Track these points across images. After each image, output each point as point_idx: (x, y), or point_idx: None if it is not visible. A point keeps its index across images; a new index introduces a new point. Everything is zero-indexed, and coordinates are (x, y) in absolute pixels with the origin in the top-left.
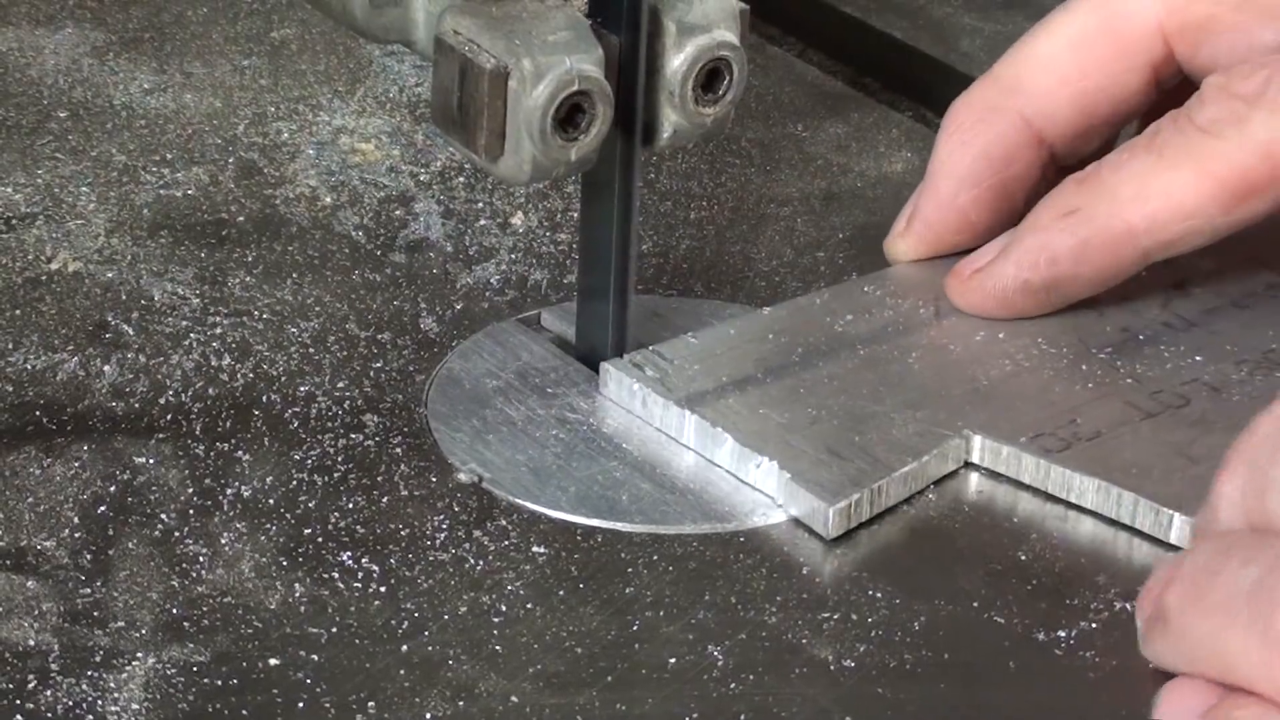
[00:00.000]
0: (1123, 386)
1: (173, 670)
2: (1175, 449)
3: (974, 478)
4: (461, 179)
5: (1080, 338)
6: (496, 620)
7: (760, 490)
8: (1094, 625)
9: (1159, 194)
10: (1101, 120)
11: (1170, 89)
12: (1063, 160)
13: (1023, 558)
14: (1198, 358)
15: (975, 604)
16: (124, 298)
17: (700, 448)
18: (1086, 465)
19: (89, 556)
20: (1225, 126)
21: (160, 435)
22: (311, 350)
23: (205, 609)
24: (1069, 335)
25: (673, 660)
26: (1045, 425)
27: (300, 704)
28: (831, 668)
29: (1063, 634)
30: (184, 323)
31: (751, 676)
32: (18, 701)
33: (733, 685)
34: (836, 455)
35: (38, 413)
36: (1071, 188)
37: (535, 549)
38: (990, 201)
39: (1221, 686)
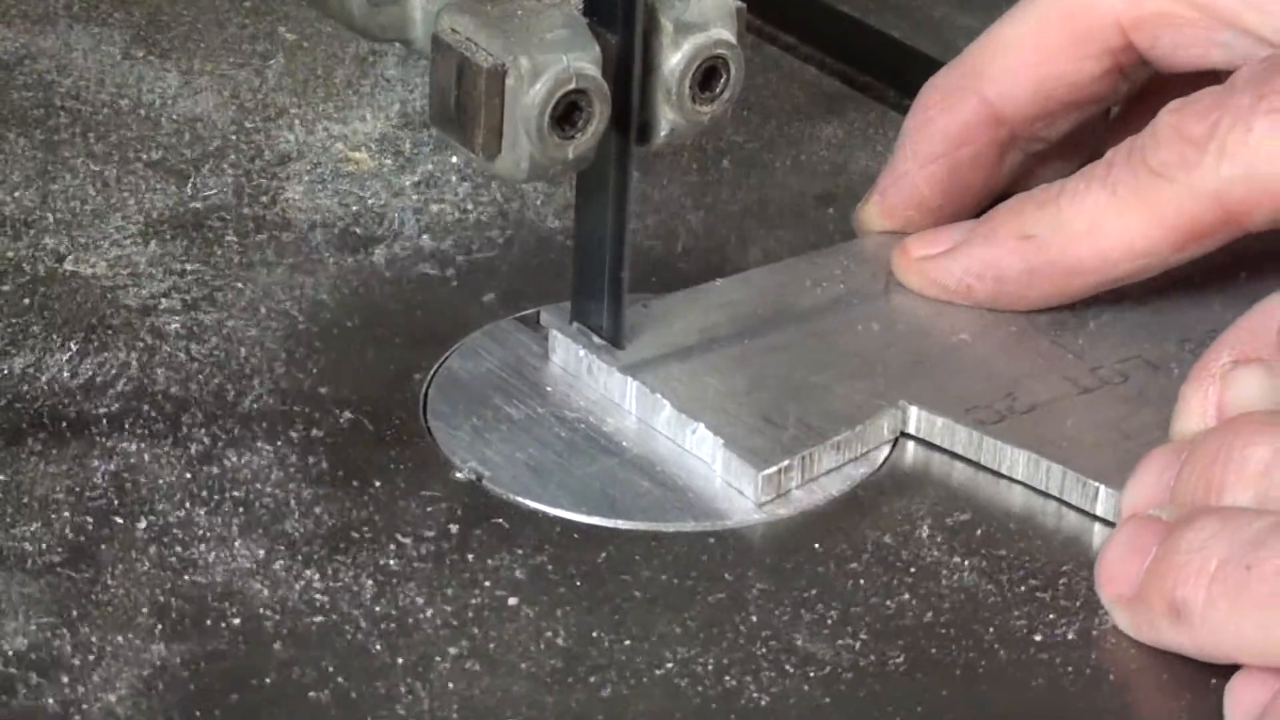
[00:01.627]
0: (1063, 363)
1: (166, 669)
2: (1109, 424)
3: (911, 447)
4: (463, 185)
5: (1026, 315)
6: (494, 619)
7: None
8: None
9: (1112, 234)
10: (1060, 104)
11: (1143, 80)
12: (1024, 142)
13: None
14: (1140, 336)
15: (974, 602)
16: (120, 297)
17: (641, 413)
18: (1018, 438)
19: (82, 554)
20: (1176, 170)
21: (156, 433)
22: (310, 350)
23: (199, 607)
24: (1015, 312)
25: (670, 659)
26: (982, 398)
27: (296, 703)
28: (829, 666)
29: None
30: (179, 322)
31: (749, 675)
32: (6, 698)
33: (730, 684)
34: (771, 423)
35: (33, 410)
36: (1031, 209)
37: (534, 547)
38: (945, 179)
39: (1272, 670)
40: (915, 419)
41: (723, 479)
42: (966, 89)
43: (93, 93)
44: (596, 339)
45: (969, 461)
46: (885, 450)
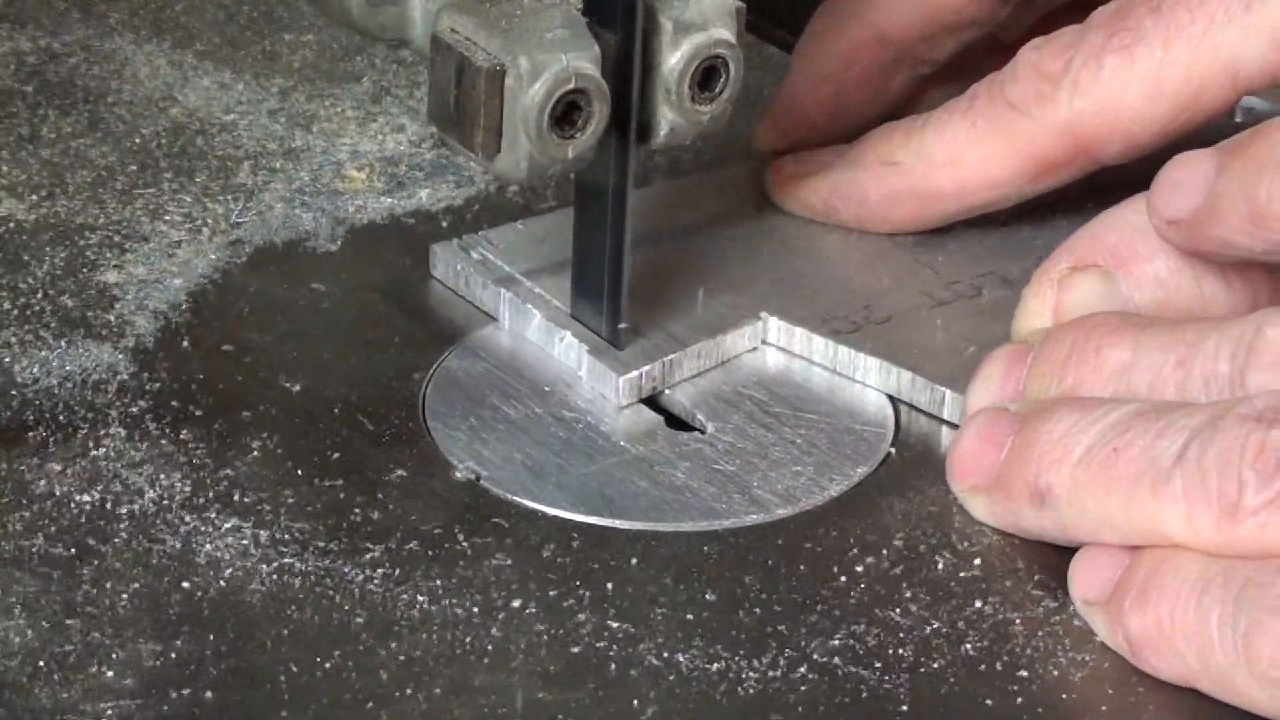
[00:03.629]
0: (922, 277)
1: (167, 668)
2: (959, 334)
3: (771, 353)
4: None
5: (890, 235)
6: (493, 618)
7: (563, 362)
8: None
9: (970, 163)
10: (941, 27)
11: (1022, 4)
12: (909, 64)
13: None
14: (998, 254)
15: (974, 602)
16: (121, 299)
17: (513, 325)
18: (871, 346)
19: (82, 554)
20: (1031, 104)
21: (155, 432)
22: (309, 349)
23: (199, 607)
24: (880, 233)
25: (669, 658)
26: (840, 310)
27: (295, 703)
28: (826, 665)
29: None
30: (180, 322)
31: (748, 674)
32: (5, 698)
33: (730, 683)
34: (636, 332)
35: (32, 408)
36: (898, 138)
37: (532, 547)
38: (832, 101)
39: (1123, 549)
40: (775, 329)
41: (589, 384)
42: (854, 13)
43: (114, 88)
44: (474, 254)
45: (828, 369)
46: (885, 451)
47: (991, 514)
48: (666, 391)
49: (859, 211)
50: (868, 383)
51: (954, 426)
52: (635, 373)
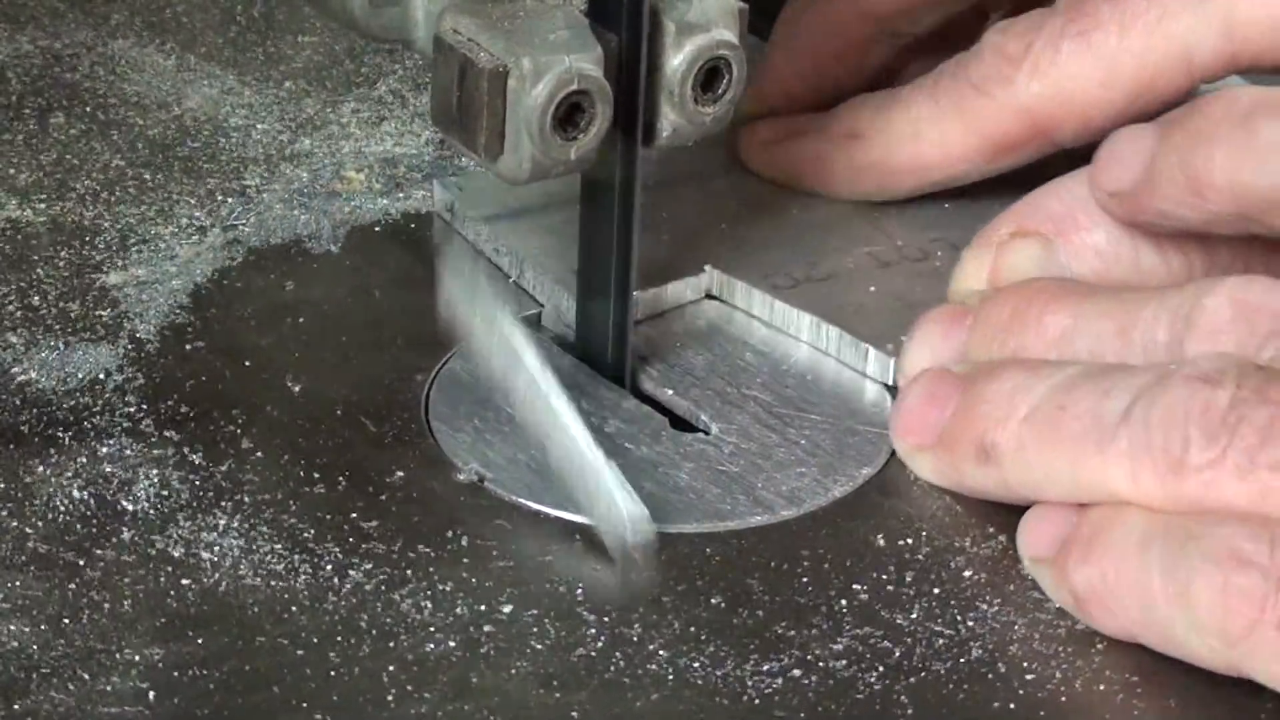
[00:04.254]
0: (872, 240)
1: (168, 670)
2: (895, 294)
3: (711, 306)
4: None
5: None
6: (495, 619)
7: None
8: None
9: (930, 141)
10: (924, 2)
11: None
12: (889, 37)
13: None
14: (951, 222)
15: (974, 603)
16: (123, 300)
17: (493, 256)
18: (806, 303)
19: (82, 555)
20: (992, 86)
21: (155, 432)
22: (311, 350)
23: (200, 608)
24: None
25: (672, 660)
26: (784, 268)
27: (296, 705)
28: (830, 667)
29: None
30: (180, 322)
31: (751, 676)
32: (6, 700)
33: (732, 684)
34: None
35: (32, 408)
36: (866, 111)
37: (536, 549)
38: (811, 72)
39: (1071, 508)
40: (717, 282)
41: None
42: None
43: (118, 90)
44: (459, 186)
45: (766, 323)
46: (889, 452)
47: (936, 472)
48: (668, 392)
49: (823, 181)
50: (800, 338)
51: (879, 383)
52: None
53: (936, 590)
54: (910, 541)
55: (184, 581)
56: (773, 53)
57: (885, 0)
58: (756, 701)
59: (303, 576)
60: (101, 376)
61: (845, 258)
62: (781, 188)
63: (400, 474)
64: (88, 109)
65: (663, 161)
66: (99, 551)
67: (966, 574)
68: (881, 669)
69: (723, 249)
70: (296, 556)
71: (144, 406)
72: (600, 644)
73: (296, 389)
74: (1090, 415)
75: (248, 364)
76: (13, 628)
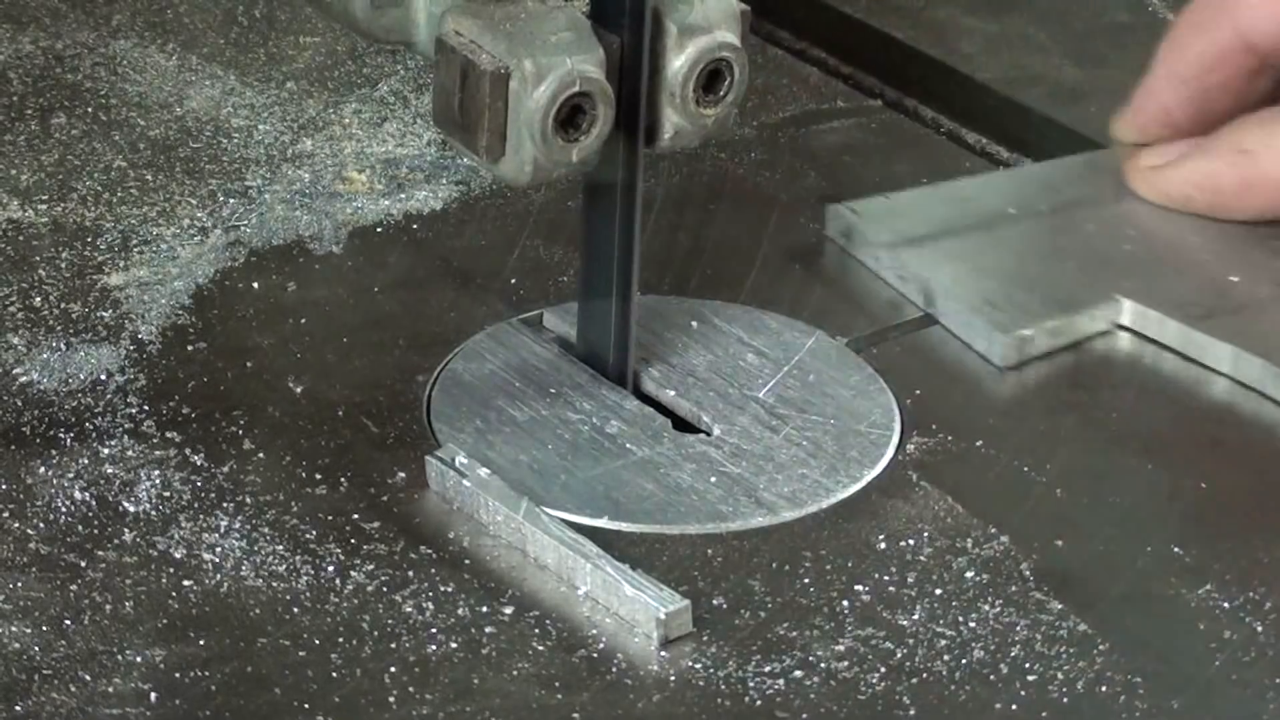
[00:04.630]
0: (1273, 269)
1: (169, 671)
2: None
3: (1123, 337)
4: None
5: (1245, 225)
6: (497, 620)
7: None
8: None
9: None
10: None
11: None
12: (1273, 70)
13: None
14: None
15: (975, 604)
16: (125, 301)
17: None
18: (1223, 333)
19: (83, 557)
20: None
21: (157, 433)
22: (312, 351)
23: (202, 609)
24: (1235, 222)
25: (673, 660)
26: (1193, 296)
27: (298, 706)
28: (831, 668)
29: None
30: (181, 323)
31: (753, 678)
32: (8, 701)
33: (734, 685)
34: (994, 306)
35: (32, 409)
36: (1252, 127)
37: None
38: (1193, 102)
39: None
40: (1129, 312)
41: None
42: (1219, 17)
43: (119, 91)
44: (854, 211)
45: (1177, 354)
46: (891, 454)
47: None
48: (670, 393)
49: (1213, 199)
50: (1219, 370)
51: None
52: (1011, 335)
53: (938, 591)
54: (912, 542)
55: (185, 583)
56: (1153, 81)
57: (1272, 35)
58: (758, 703)
59: (304, 577)
60: (103, 377)
61: (1251, 289)
62: (1170, 211)
63: (402, 475)
64: (89, 110)
65: (1055, 187)
66: (100, 553)
67: (968, 575)
68: (883, 670)
69: (1125, 277)
70: (298, 557)
71: (146, 407)
72: (602, 645)
73: (298, 390)
74: None
75: (249, 365)
76: (14, 629)
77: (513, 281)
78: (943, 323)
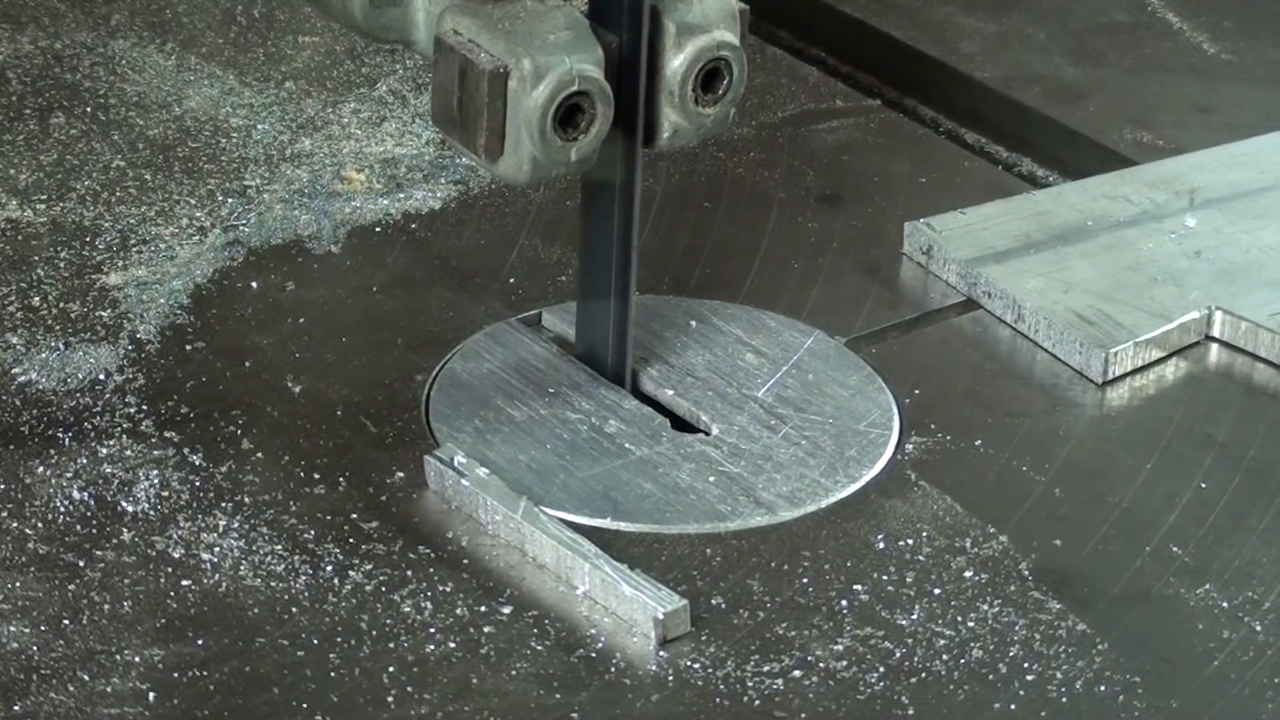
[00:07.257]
0: None
1: (168, 671)
2: None
3: (1214, 349)
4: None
5: None
6: (495, 620)
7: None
8: None
9: None
10: None
11: None
12: None
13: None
14: None
15: (975, 604)
16: (123, 300)
17: (982, 300)
18: None
19: (82, 556)
20: None
21: (155, 433)
22: (311, 351)
23: (200, 609)
24: None
25: (672, 660)
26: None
27: (296, 706)
28: (830, 667)
29: None
30: (181, 324)
31: (751, 678)
32: (7, 701)
33: (732, 685)
34: (1085, 320)
35: (32, 409)
36: None
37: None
38: None
39: None
40: (1220, 322)
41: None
42: None
43: (118, 91)
44: (933, 228)
45: (1269, 363)
46: (890, 453)
47: None
48: (669, 393)
49: None
50: None
51: None
52: (1113, 349)
53: (937, 591)
54: (911, 542)
55: (184, 582)
56: None
57: None
58: (757, 702)
59: (303, 577)
60: (102, 377)
61: None
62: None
63: (401, 475)
64: (88, 109)
65: (1124, 199)
66: (99, 552)
67: (967, 574)
68: (882, 669)
69: (1211, 287)
70: (297, 557)
71: (144, 407)
72: (600, 645)
73: (297, 389)
74: None
75: (248, 364)
76: (13, 629)
77: (511, 281)
78: (1032, 338)
